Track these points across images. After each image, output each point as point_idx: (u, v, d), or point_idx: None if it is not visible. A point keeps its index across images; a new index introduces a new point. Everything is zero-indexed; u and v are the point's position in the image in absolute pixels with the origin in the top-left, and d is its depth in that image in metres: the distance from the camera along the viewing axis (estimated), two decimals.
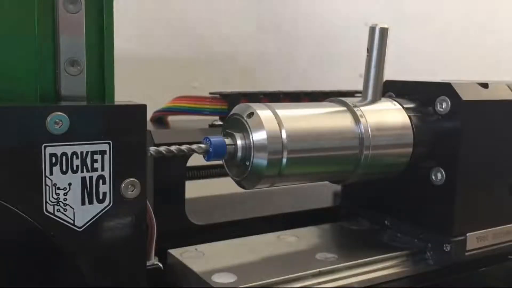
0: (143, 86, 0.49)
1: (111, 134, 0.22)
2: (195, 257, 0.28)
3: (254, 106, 0.25)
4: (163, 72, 0.55)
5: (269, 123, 0.25)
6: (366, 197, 0.34)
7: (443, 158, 0.29)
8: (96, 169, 0.22)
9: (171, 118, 0.38)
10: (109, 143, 0.22)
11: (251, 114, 0.25)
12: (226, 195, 0.38)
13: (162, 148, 0.24)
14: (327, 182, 0.31)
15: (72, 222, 0.22)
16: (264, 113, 0.25)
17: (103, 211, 0.22)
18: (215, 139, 0.25)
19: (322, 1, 0.68)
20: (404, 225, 0.31)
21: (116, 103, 0.24)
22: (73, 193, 0.22)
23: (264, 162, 0.24)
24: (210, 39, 0.60)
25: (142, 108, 0.23)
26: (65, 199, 0.22)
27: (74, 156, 0.22)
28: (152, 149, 0.24)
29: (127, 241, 0.23)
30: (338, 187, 0.37)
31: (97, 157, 0.22)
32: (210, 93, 0.37)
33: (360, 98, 0.29)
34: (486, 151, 0.29)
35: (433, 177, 0.29)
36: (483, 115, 0.29)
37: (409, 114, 0.29)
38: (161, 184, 0.30)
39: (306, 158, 0.26)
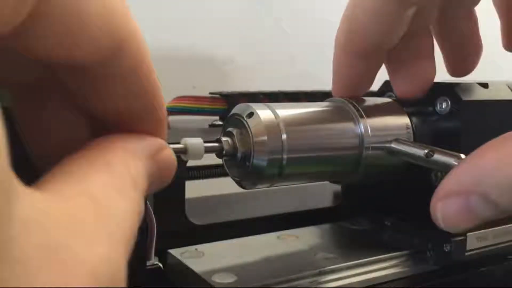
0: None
1: None
2: (195, 257, 0.28)
3: (254, 106, 0.25)
4: (163, 72, 0.55)
5: (269, 123, 0.25)
6: (366, 197, 0.34)
7: None
8: None
9: (171, 118, 0.38)
10: None
11: (251, 114, 0.25)
12: (226, 195, 0.38)
13: None
14: (327, 182, 0.31)
15: None
16: (264, 113, 0.25)
17: None
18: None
19: (322, 0, 0.68)
20: (404, 225, 0.31)
21: None
22: None
23: (264, 162, 0.24)
24: (210, 39, 0.60)
25: None
26: None
27: None
28: None
29: None
30: (338, 187, 0.37)
31: None
32: (210, 93, 0.37)
33: (360, 98, 0.29)
34: None
35: (433, 177, 0.29)
36: (483, 115, 0.29)
37: (409, 114, 0.29)
38: None
39: (306, 158, 0.26)
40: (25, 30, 0.13)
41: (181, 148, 0.22)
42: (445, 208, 0.21)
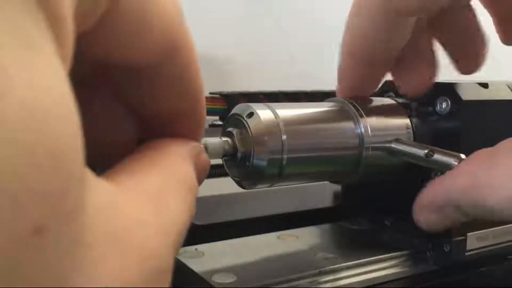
0: None
1: None
2: (195, 257, 0.28)
3: (254, 106, 0.25)
4: None
5: (269, 123, 0.25)
6: (366, 197, 0.34)
7: None
8: None
9: None
10: None
11: (251, 114, 0.25)
12: (226, 195, 0.38)
13: None
14: (327, 182, 0.31)
15: None
16: (264, 113, 0.25)
17: None
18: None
19: (322, 0, 0.68)
20: (404, 225, 0.31)
21: None
22: None
23: (264, 162, 0.24)
24: (210, 39, 0.60)
25: None
26: None
27: None
28: None
29: None
30: (338, 187, 0.37)
31: None
32: (210, 93, 0.37)
33: (360, 98, 0.29)
34: None
35: (433, 177, 0.29)
36: (483, 115, 0.29)
37: (409, 114, 0.29)
38: None
39: (306, 157, 0.26)
40: (95, 30, 0.14)
41: None
42: (425, 217, 0.26)
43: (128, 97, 0.18)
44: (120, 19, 0.14)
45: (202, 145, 0.20)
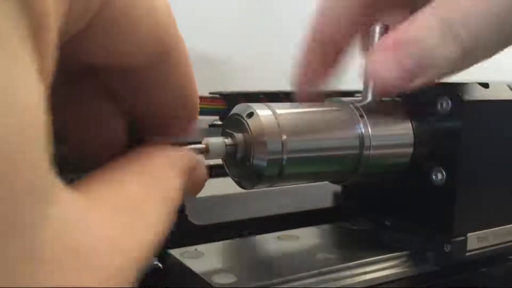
0: None
1: None
2: (195, 257, 0.28)
3: (254, 106, 0.25)
4: None
5: (269, 123, 0.25)
6: (366, 197, 0.34)
7: (444, 158, 0.29)
8: None
9: None
10: None
11: (251, 114, 0.25)
12: (226, 195, 0.38)
13: None
14: (327, 182, 0.31)
15: None
16: (264, 113, 0.25)
17: None
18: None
19: None
20: (404, 225, 0.31)
21: None
22: None
23: (264, 162, 0.24)
24: (210, 39, 0.60)
25: None
26: None
27: None
28: None
29: None
30: (338, 187, 0.37)
31: None
32: (210, 93, 0.37)
33: (360, 98, 0.29)
34: (486, 151, 0.29)
35: (433, 177, 0.29)
36: (484, 115, 0.29)
37: (409, 113, 0.29)
38: None
39: (306, 158, 0.26)
40: (84, 32, 0.14)
41: (202, 148, 0.23)
42: (375, 61, 0.25)
43: (117, 97, 0.18)
44: (109, 22, 0.14)
45: (201, 159, 0.20)
